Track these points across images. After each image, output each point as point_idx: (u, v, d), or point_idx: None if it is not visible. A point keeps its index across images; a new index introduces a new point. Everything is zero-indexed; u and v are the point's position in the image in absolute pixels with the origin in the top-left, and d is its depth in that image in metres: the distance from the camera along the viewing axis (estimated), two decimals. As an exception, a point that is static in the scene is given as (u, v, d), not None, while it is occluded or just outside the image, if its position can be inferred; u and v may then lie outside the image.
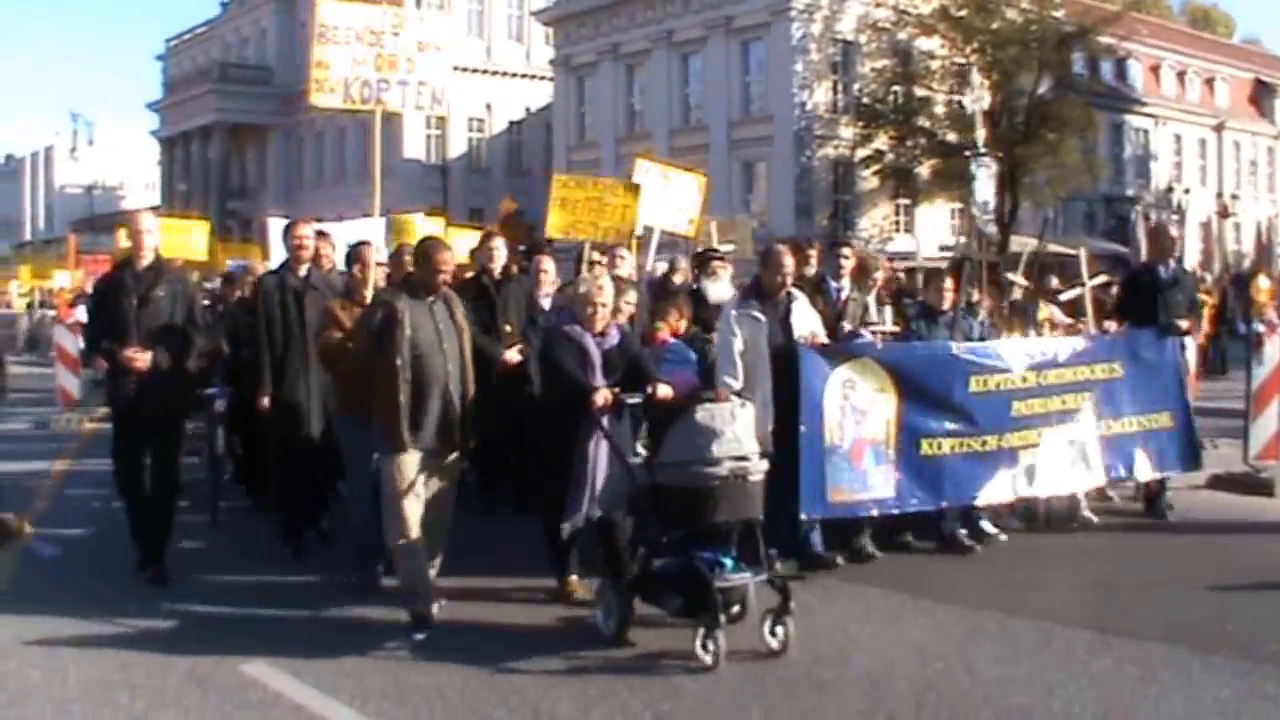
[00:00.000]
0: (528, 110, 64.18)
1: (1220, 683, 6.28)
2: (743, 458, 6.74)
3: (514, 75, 63.73)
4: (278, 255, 11.81)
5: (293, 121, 71.13)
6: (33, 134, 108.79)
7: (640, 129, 52.87)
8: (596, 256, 11.83)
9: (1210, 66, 66.55)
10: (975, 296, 10.94)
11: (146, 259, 8.51)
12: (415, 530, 7.23)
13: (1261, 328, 12.24)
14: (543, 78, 61.37)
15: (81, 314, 23.86)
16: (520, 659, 6.77)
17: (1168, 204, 55.28)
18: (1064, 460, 9.32)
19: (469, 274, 10.91)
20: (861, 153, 46.13)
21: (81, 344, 21.24)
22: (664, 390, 7.35)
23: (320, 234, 10.05)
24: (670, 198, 13.14)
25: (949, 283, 9.97)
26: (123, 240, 34.55)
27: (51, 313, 32.10)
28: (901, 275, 17.21)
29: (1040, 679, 6.37)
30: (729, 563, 6.78)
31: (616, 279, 8.87)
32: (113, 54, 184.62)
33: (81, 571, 9.01)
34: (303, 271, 9.42)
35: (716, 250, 12.43)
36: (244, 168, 74.63)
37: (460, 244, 12.43)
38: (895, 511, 8.71)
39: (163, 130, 79.04)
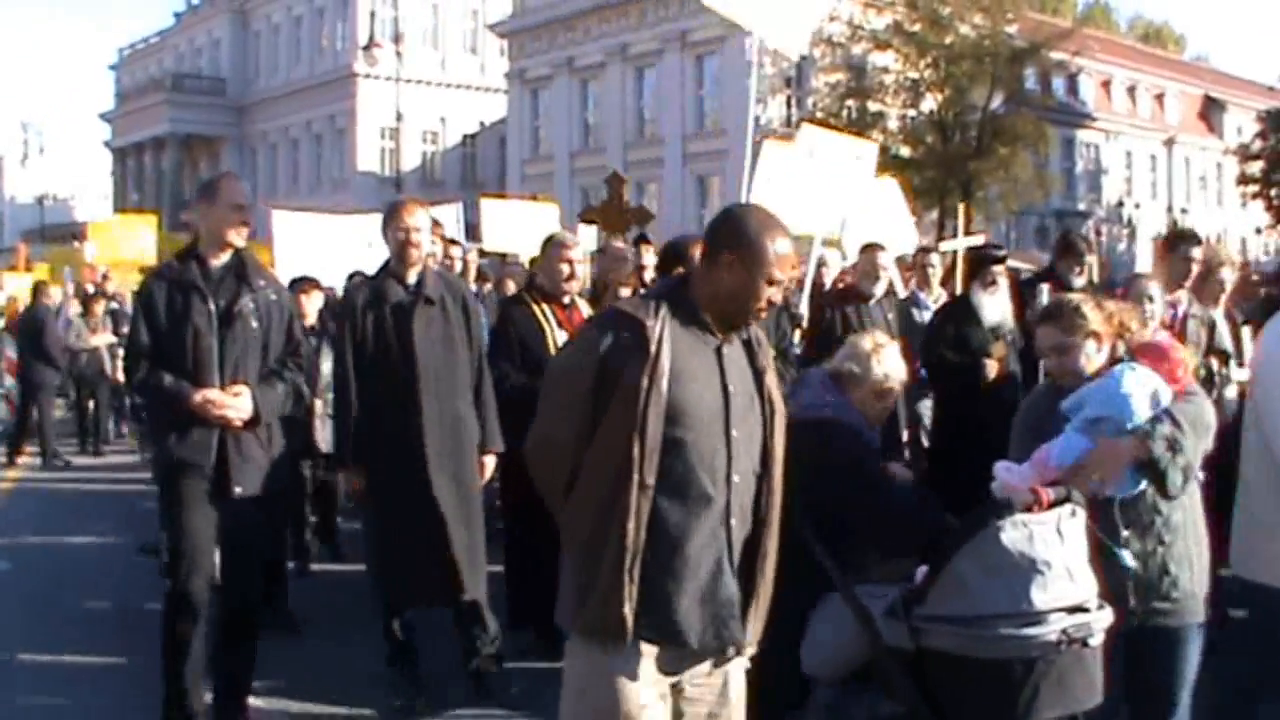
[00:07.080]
0: (482, 124, 64.00)
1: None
2: (1080, 608, 3.78)
3: (468, 88, 63.55)
4: (285, 256, 10.61)
5: (245, 133, 70.80)
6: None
7: (595, 143, 52.87)
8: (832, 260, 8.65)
9: (1161, 83, 67.30)
10: None
11: (225, 252, 5.66)
12: None
13: None
14: (497, 90, 61.26)
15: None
16: None
17: (1119, 218, 55.88)
18: None
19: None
20: (815, 166, 46.28)
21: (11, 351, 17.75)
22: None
23: (435, 222, 7.39)
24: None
25: None
26: (83, 250, 33.05)
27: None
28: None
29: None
30: None
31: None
32: (64, 63, 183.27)
33: (32, 587, 8.81)
34: (412, 277, 6.13)
35: (998, 246, 9.02)
36: (197, 179, 74.05)
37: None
38: None
39: (115, 140, 78.31)
